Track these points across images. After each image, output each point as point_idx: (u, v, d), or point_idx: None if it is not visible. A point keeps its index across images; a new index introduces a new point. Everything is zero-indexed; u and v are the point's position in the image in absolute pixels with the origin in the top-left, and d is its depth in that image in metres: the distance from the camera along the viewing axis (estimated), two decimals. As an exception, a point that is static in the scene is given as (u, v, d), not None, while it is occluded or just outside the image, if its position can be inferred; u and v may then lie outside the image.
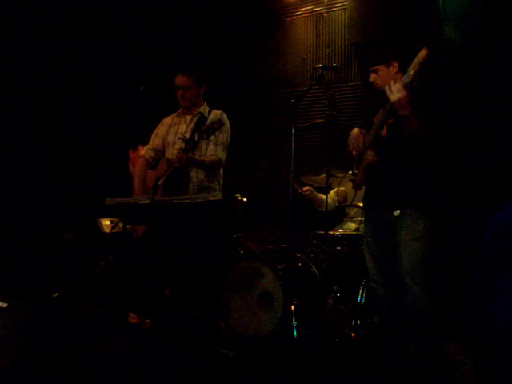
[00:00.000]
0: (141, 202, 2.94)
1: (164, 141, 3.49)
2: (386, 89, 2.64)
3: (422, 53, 2.53)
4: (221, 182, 3.45)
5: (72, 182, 4.71)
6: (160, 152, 3.50)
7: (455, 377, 2.82)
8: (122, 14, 5.15)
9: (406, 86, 2.59)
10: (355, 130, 3.03)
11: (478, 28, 4.27)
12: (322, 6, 5.16)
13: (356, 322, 3.52)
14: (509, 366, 1.37)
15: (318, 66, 3.51)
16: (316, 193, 4.31)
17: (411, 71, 2.57)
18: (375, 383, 2.87)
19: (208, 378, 2.46)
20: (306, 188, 4.27)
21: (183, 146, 3.18)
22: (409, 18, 4.43)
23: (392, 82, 2.65)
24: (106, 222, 4.09)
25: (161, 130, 3.54)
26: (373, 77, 2.92)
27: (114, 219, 4.04)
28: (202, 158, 3.29)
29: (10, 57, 4.42)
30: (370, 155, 2.86)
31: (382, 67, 2.88)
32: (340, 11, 5.05)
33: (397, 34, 4.47)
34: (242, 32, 5.56)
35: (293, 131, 3.36)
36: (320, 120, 4.62)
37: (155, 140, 3.53)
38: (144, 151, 3.55)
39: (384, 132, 2.87)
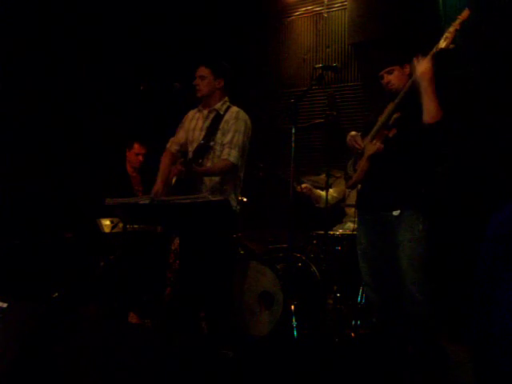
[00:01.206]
0: (141, 202, 2.93)
1: (187, 134, 3.39)
2: (414, 60, 2.72)
3: (465, 12, 2.63)
4: (237, 185, 3.28)
5: (72, 182, 4.71)
6: (185, 145, 3.38)
7: (455, 377, 2.82)
8: (121, 13, 5.15)
9: (434, 56, 2.68)
10: (352, 132, 3.07)
11: (478, 28, 4.26)
12: (322, 6, 5.16)
13: (356, 322, 3.53)
14: (509, 367, 1.37)
15: (318, 66, 3.52)
16: (314, 189, 4.32)
17: (450, 30, 2.64)
18: (375, 383, 2.87)
19: (208, 378, 2.46)
20: (304, 185, 4.28)
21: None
22: (409, 18, 4.43)
23: (420, 56, 2.71)
24: (106, 222, 4.07)
25: (185, 124, 3.43)
26: (387, 78, 2.93)
27: (114, 219, 4.03)
28: (209, 166, 3.18)
29: (9, 56, 4.42)
30: (374, 144, 2.87)
31: (397, 68, 2.91)
32: (340, 11, 5.05)
33: (397, 34, 4.47)
34: (242, 32, 5.57)
35: (293, 131, 3.36)
36: (320, 120, 4.61)
37: (180, 133, 3.42)
38: (169, 144, 3.44)
39: (391, 121, 2.87)
